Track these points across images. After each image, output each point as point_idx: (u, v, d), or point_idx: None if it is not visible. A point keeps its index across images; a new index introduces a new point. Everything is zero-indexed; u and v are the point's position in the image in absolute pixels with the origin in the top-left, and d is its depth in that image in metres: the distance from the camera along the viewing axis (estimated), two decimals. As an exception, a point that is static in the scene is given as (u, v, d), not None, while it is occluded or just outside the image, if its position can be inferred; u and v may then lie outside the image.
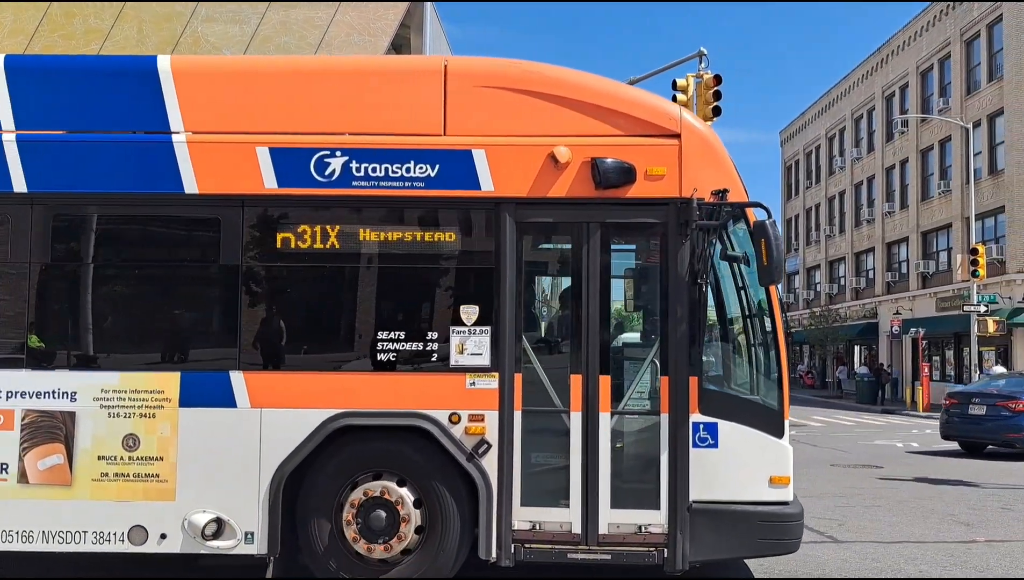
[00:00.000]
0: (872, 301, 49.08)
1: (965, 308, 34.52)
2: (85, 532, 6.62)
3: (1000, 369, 34.45)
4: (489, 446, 6.57)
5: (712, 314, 6.72)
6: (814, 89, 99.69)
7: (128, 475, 6.62)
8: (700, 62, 21.62)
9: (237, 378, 6.66)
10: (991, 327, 33.81)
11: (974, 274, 32.89)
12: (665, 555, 6.53)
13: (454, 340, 6.65)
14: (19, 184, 6.78)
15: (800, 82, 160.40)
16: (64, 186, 6.79)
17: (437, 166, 6.70)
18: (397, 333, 6.69)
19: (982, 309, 33.65)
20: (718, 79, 20.43)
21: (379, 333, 6.71)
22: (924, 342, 40.28)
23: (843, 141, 54.45)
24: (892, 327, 42.85)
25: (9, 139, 6.83)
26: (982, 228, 38.14)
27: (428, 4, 23.40)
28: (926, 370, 38.55)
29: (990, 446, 19.65)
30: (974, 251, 33.21)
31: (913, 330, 40.52)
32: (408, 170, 6.70)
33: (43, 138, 6.85)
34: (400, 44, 24.08)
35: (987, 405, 19.09)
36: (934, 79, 43.69)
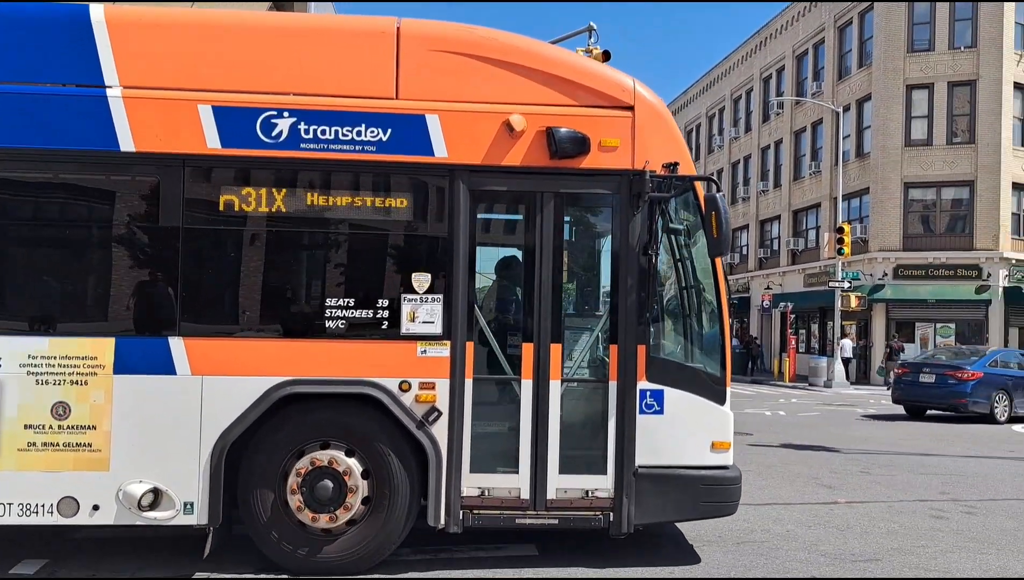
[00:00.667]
0: (745, 276, 50.85)
1: (830, 284, 36.25)
2: (10, 504, 6.28)
3: (847, 342, 36.52)
4: (439, 414, 6.54)
5: (660, 284, 6.84)
6: (698, 68, 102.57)
7: (58, 444, 6.31)
8: (589, 37, 21.73)
9: (176, 344, 6.41)
10: (853, 302, 35.61)
11: (839, 252, 34.49)
12: (611, 519, 6.66)
13: (405, 308, 6.57)
14: None
15: (685, 60, 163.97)
16: None
17: (389, 130, 6.57)
18: (346, 300, 6.56)
19: (846, 285, 35.40)
20: (607, 55, 20.56)
21: (328, 299, 6.57)
22: (792, 316, 42.05)
23: (722, 120, 55.94)
24: (763, 302, 44.58)
25: None
26: (848, 208, 40.02)
27: (310, -36, 22.77)
28: (793, 343, 40.40)
29: (932, 410, 22.40)
30: (840, 230, 34.77)
31: (782, 304, 42.26)
32: (359, 133, 6.55)
33: None
34: (283, 1, 23.43)
35: (936, 374, 21.65)
36: (808, 63, 45.31)
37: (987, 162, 36.36)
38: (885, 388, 34.55)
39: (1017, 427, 20.30)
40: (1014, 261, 36.52)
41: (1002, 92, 36.46)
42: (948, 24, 37.60)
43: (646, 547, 7.57)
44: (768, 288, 46.31)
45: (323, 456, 6.53)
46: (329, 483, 6.51)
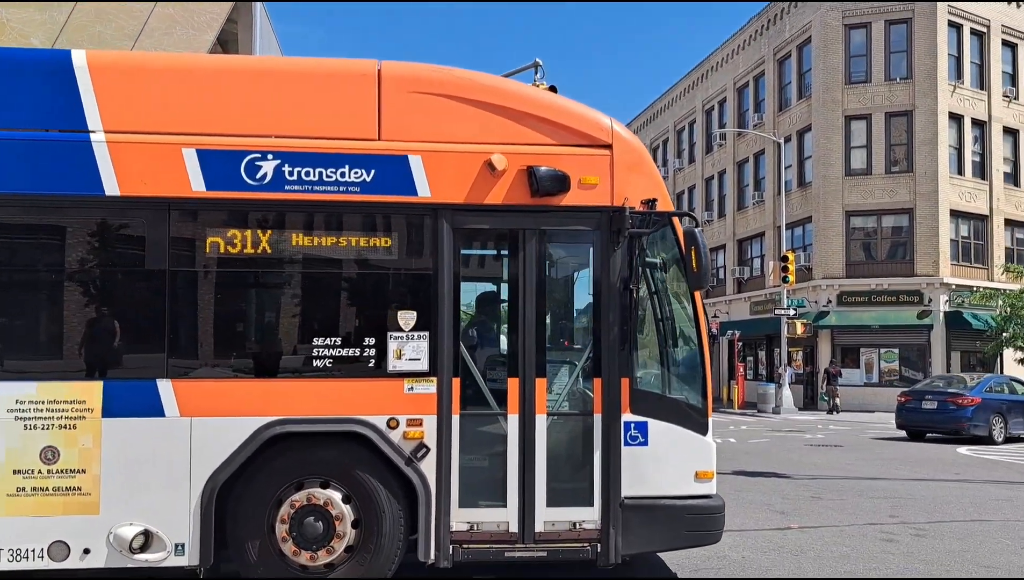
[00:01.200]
0: (691, 305, 51.39)
1: (776, 312, 36.96)
2: (0, 550, 6.24)
3: (789, 370, 37.24)
4: (428, 450, 6.63)
5: (641, 318, 7.01)
6: (640, 101, 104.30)
7: (47, 489, 6.29)
8: (536, 73, 22.09)
9: (165, 386, 6.44)
10: (799, 329, 36.30)
11: (784, 280, 35.20)
12: (599, 550, 6.78)
13: (392, 345, 6.67)
14: None
15: (629, 94, 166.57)
16: None
17: (373, 171, 6.69)
18: (333, 339, 6.64)
19: (791, 312, 36.07)
20: (553, 89, 20.88)
21: (314, 339, 6.64)
22: (740, 343, 42.69)
23: (666, 151, 56.84)
24: (711, 329, 45.06)
25: None
26: (791, 236, 40.91)
27: (258, 3, 22.71)
28: (741, 370, 41.00)
29: (933, 434, 23.95)
30: (784, 258, 35.52)
31: (730, 332, 42.88)
32: (343, 174, 6.66)
33: None
34: (227, 40, 23.34)
35: (938, 401, 23.28)
36: (750, 95, 46.33)
37: (925, 190, 37.48)
38: (826, 413, 35.33)
39: (962, 449, 20.89)
40: (954, 286, 37.50)
41: (937, 122, 37.68)
42: (884, 56, 38.82)
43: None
44: (715, 316, 46.94)
45: (311, 494, 6.59)
46: (317, 520, 6.58)
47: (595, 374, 6.90)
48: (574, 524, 6.83)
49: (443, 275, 6.72)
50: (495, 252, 7.35)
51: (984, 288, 36.12)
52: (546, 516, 6.79)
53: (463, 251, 6.92)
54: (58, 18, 19.58)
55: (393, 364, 6.66)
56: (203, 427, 6.44)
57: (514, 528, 6.77)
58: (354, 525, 6.62)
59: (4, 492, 6.25)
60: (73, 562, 6.32)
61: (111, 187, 6.46)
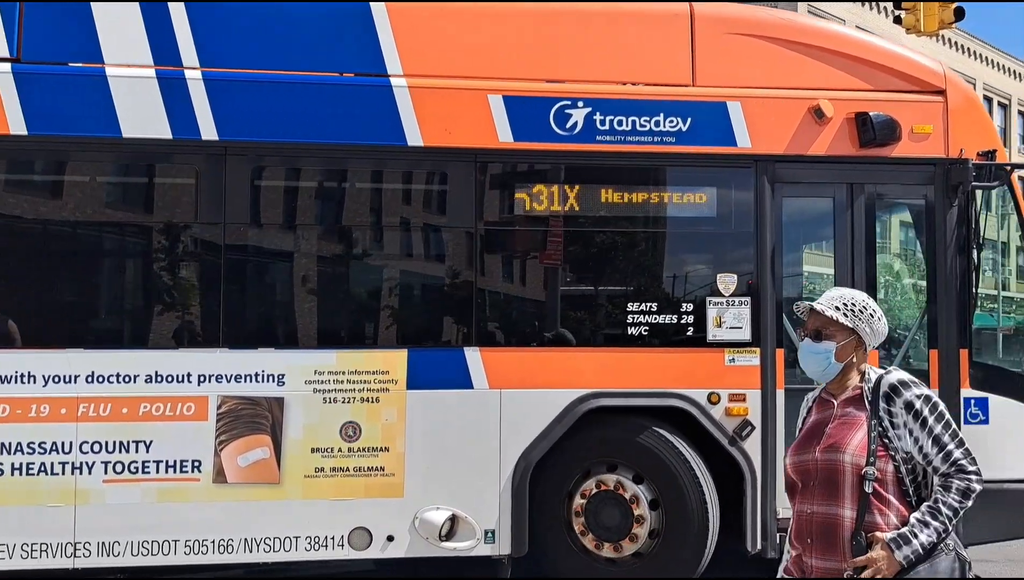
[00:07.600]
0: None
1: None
2: (297, 538, 5.62)
3: None
4: (753, 428, 5.97)
5: (979, 283, 6.35)
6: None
7: (348, 469, 5.67)
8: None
9: (473, 355, 5.81)
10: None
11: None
12: None
13: (711, 312, 6.02)
14: (208, 130, 5.68)
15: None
16: (262, 134, 5.76)
17: (688, 119, 6.05)
18: (648, 305, 6.00)
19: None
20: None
21: (628, 304, 6.00)
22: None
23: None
24: None
25: (194, 76, 5.73)
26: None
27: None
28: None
29: None
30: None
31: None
32: (657, 124, 6.03)
33: (236, 77, 5.79)
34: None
35: None
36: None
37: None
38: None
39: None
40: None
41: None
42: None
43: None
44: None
45: (611, 479, 5.97)
46: (614, 508, 5.94)
47: (930, 344, 6.24)
48: None
49: (764, 234, 6.08)
50: (818, 209, 6.67)
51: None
52: None
53: (786, 208, 6.27)
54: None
55: (713, 333, 6.01)
56: (513, 400, 5.82)
57: None
58: (653, 532, 5.95)
59: (302, 473, 5.63)
60: (374, 551, 5.70)
61: (413, 136, 5.84)
